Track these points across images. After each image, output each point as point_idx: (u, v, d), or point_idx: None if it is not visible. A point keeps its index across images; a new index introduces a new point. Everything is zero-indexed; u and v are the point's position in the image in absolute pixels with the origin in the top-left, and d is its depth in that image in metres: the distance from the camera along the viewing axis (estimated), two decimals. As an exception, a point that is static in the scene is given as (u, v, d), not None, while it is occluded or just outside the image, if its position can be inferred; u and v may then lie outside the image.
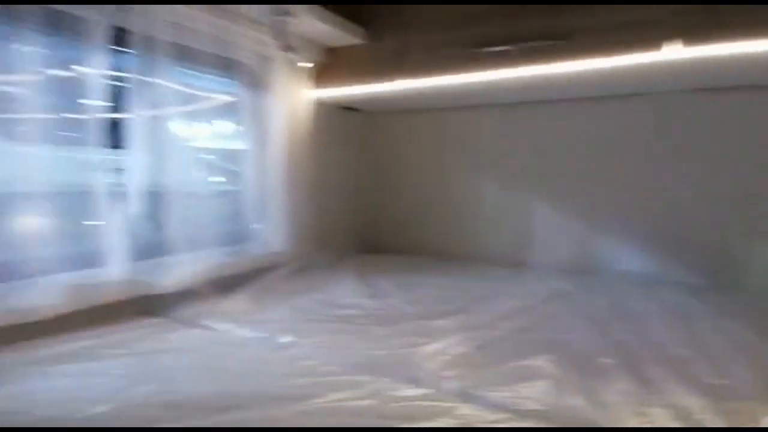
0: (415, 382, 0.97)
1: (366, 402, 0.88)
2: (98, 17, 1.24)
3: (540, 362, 1.04)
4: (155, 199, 1.44)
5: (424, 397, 0.91)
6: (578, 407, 0.86)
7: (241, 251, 1.77)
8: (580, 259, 1.98)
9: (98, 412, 0.82)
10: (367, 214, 2.43)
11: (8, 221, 1.17)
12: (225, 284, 1.56)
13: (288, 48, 1.65)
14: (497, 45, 1.58)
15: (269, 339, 1.22)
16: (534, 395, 0.91)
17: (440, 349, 1.13)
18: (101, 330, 1.22)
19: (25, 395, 0.88)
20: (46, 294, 1.17)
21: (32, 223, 1.19)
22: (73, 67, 1.27)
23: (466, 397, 0.91)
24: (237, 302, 1.50)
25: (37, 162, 1.17)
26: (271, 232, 1.86)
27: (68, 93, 1.25)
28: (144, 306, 1.38)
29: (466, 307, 1.46)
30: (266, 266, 1.76)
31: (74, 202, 1.29)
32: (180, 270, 1.47)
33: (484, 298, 1.55)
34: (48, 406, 0.84)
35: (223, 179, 1.80)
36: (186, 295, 1.45)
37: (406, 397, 0.90)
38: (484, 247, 2.19)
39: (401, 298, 1.57)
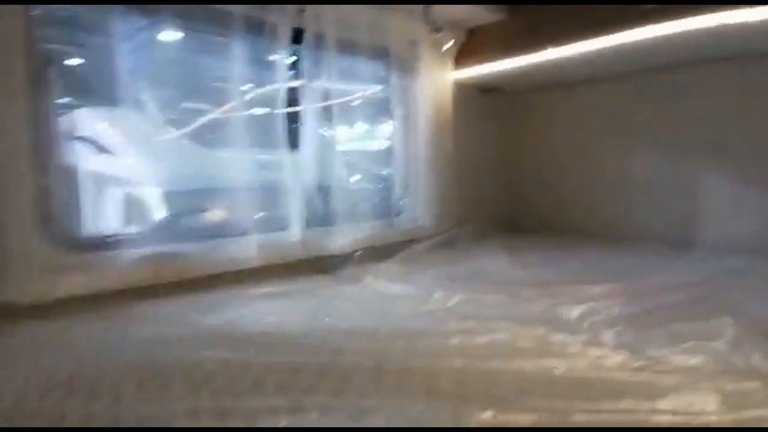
0: (571, 333, 0.98)
1: (524, 343, 0.92)
2: (283, 20, 1.49)
3: (712, 325, 0.96)
4: (323, 178, 1.67)
5: (582, 344, 0.91)
6: (756, 362, 0.79)
7: (392, 224, 1.93)
8: (763, 235, 1.71)
9: (295, 331, 1.01)
10: (509, 193, 2.42)
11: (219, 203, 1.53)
12: (379, 251, 1.74)
13: (436, 30, 1.75)
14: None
15: (423, 294, 1.33)
16: (706, 352, 0.85)
17: (594, 309, 1.11)
18: (286, 280, 1.47)
19: (241, 319, 1.12)
20: (247, 249, 1.46)
21: (238, 203, 1.50)
22: (260, 86, 1.57)
23: (626, 349, 0.89)
24: (390, 266, 1.65)
25: (240, 163, 1.48)
26: (418, 208, 1.99)
27: (261, 105, 1.56)
28: (316, 265, 1.61)
29: (621, 278, 1.38)
30: (413, 238, 1.90)
31: (267, 186, 1.57)
32: (343, 237, 1.68)
33: (642, 271, 1.45)
34: (259, 326, 1.06)
35: (375, 160, 2.00)
36: (348, 258, 1.66)
37: (564, 343, 0.92)
38: (639, 225, 2.02)
39: (549, 268, 1.55)
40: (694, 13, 1.36)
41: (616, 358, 0.83)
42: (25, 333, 1.00)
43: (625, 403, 0.66)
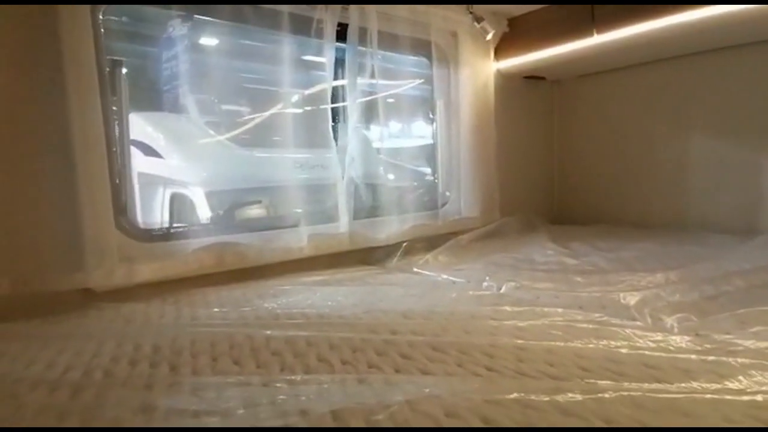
0: (631, 318, 0.96)
1: (582, 325, 0.91)
2: (329, 17, 1.53)
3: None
4: (368, 174, 1.70)
5: (644, 329, 0.90)
6: None
7: (436, 216, 1.93)
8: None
9: (351, 313, 1.05)
10: (556, 183, 2.38)
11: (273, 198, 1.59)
12: (424, 243, 1.75)
13: (479, 19, 1.74)
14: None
15: (473, 282, 1.34)
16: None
17: (655, 295, 1.08)
18: (336, 270, 1.52)
19: (299, 302, 1.17)
20: (299, 240, 1.51)
21: (289, 198, 1.56)
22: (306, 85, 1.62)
23: (692, 333, 0.87)
24: (436, 257, 1.66)
25: (288, 162, 1.54)
26: (462, 199, 1.99)
27: (306, 104, 1.61)
28: (363, 256, 1.65)
29: (679, 266, 1.34)
30: (459, 230, 1.90)
31: (315, 182, 1.62)
32: (389, 229, 1.71)
33: (700, 259, 1.39)
34: (316, 309, 1.10)
35: (419, 153, 2.01)
36: (394, 250, 1.69)
37: (626, 326, 0.91)
38: (696, 214, 1.94)
39: (602, 257, 1.52)
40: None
41: (682, 342, 0.82)
42: (105, 315, 1.08)
43: (696, 384, 0.65)
